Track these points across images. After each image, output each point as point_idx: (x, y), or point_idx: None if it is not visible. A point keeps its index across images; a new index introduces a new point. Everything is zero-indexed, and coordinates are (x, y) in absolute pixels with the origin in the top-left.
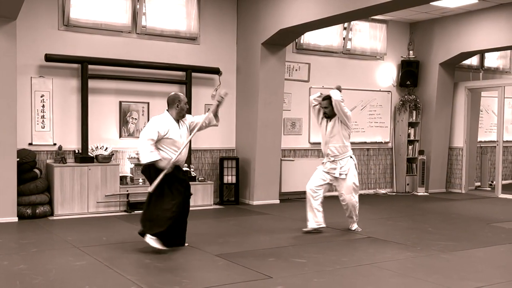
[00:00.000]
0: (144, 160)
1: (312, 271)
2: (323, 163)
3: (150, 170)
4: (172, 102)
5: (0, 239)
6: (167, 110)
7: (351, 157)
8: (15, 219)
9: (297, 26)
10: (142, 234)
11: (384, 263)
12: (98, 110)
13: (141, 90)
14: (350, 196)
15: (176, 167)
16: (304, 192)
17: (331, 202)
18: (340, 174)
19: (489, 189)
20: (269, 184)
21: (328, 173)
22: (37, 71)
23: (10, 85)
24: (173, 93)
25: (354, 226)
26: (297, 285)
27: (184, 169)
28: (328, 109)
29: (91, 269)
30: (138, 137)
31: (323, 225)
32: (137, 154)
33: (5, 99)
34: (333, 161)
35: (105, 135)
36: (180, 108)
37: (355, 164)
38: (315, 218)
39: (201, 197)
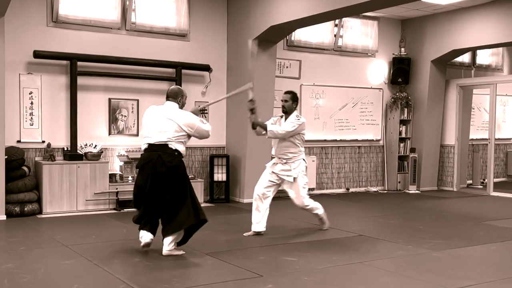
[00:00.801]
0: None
1: (302, 269)
2: (274, 163)
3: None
4: (175, 95)
5: None
6: (168, 101)
7: (304, 160)
8: (3, 217)
9: (288, 23)
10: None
11: (375, 261)
12: (87, 107)
13: (130, 87)
14: (299, 199)
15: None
16: None
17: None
18: (288, 176)
19: (481, 187)
20: None
21: (277, 174)
22: (25, 68)
23: None
24: (175, 86)
25: (325, 226)
26: (287, 284)
27: None
28: (287, 104)
29: (80, 268)
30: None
31: (264, 229)
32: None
33: None
34: (285, 163)
35: (94, 133)
36: (182, 104)
37: (306, 167)
38: (260, 221)
39: None
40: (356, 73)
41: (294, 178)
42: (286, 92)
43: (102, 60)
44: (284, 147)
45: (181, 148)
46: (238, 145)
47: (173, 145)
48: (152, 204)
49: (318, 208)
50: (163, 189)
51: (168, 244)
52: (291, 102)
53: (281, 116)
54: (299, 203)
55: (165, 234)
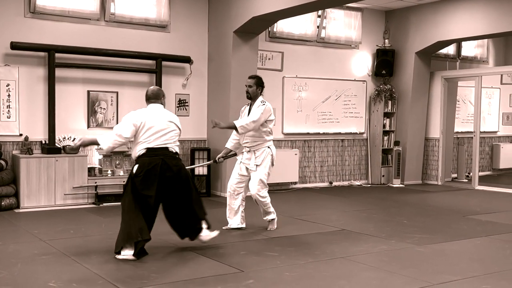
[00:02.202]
0: None
1: (284, 264)
2: (241, 153)
3: None
4: (157, 96)
5: None
6: (152, 103)
7: (269, 147)
8: None
9: (270, 14)
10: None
11: (358, 256)
12: (66, 99)
13: (109, 79)
14: (255, 187)
15: None
16: (278, 184)
17: (298, 194)
18: (249, 165)
19: (466, 180)
20: None
21: (244, 164)
22: (2, 59)
23: None
24: (155, 87)
25: (270, 226)
26: (268, 279)
27: None
28: (251, 89)
29: (58, 263)
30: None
31: (242, 226)
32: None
33: None
34: (249, 151)
35: (72, 126)
36: (164, 104)
37: (271, 155)
38: (233, 217)
39: None
40: (340, 65)
41: (256, 166)
42: (250, 77)
43: (80, 52)
44: (248, 136)
45: (178, 150)
46: (219, 138)
47: (173, 148)
48: (155, 210)
49: (273, 212)
50: (172, 192)
51: (206, 233)
52: (256, 88)
53: (247, 105)
54: (254, 191)
55: (196, 231)
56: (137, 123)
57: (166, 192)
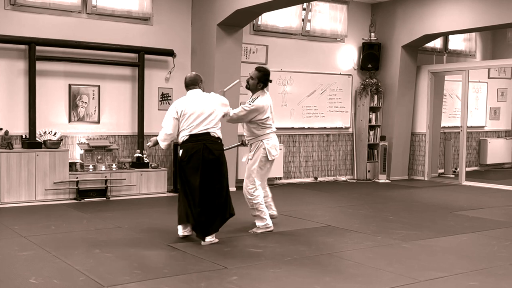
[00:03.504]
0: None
1: (268, 261)
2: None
3: None
4: (195, 81)
5: None
6: (190, 89)
7: (262, 141)
8: None
9: (254, 7)
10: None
11: (343, 252)
12: (47, 93)
13: (91, 73)
14: (245, 180)
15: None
16: None
17: (282, 189)
18: (245, 159)
19: (453, 176)
20: None
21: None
22: None
23: None
24: (192, 73)
25: (254, 229)
26: (252, 276)
27: (137, 155)
28: (252, 81)
29: (38, 259)
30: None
31: (274, 213)
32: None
33: None
34: (247, 144)
35: (53, 120)
36: (203, 89)
37: (264, 149)
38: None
39: (154, 184)
40: (325, 59)
41: (249, 160)
42: (257, 69)
43: (61, 45)
44: (246, 129)
45: (220, 135)
46: None
47: (215, 133)
48: (205, 194)
49: (262, 219)
50: (213, 178)
51: (211, 237)
52: (257, 81)
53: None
54: (244, 187)
55: (216, 225)
56: (177, 114)
57: (208, 176)
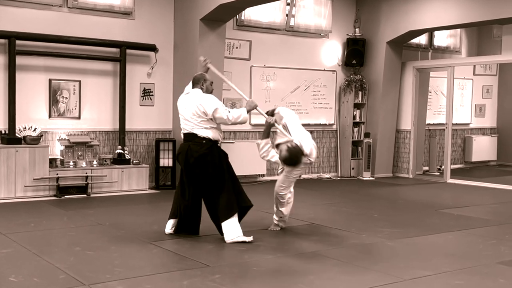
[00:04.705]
0: (245, 116)
1: (251, 259)
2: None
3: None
4: (197, 81)
5: None
6: (193, 88)
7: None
8: None
9: (237, 1)
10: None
11: (327, 250)
12: (27, 88)
13: (72, 68)
14: (277, 184)
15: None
16: (245, 176)
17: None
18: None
19: (438, 174)
20: None
21: None
22: None
23: None
24: (198, 73)
25: (273, 228)
26: (235, 274)
27: (118, 151)
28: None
29: (18, 257)
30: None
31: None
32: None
33: None
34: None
35: (33, 115)
36: (206, 88)
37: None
38: None
39: (136, 181)
40: (309, 55)
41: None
42: (288, 150)
43: (42, 39)
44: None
45: (210, 134)
46: None
47: (201, 133)
48: (185, 193)
49: (284, 216)
50: (197, 179)
51: (227, 233)
52: (282, 162)
53: None
54: (275, 188)
55: (217, 223)
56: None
57: (194, 178)
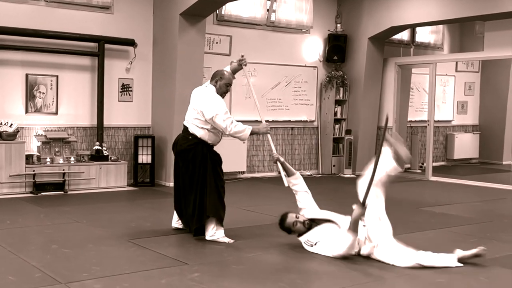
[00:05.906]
0: (246, 134)
1: (231, 257)
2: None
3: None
4: (212, 77)
5: None
6: (209, 83)
7: None
8: None
9: None
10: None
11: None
12: (2, 83)
13: (49, 62)
14: None
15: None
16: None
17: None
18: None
19: (419, 171)
20: None
21: None
22: None
23: None
24: (219, 69)
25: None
26: (214, 272)
27: (96, 147)
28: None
29: None
30: (46, 113)
31: None
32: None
33: None
34: None
35: (10, 111)
36: (219, 86)
37: None
38: None
39: (114, 178)
40: (290, 50)
41: None
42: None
43: (18, 33)
44: None
45: (199, 133)
46: (164, 125)
47: (191, 129)
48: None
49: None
50: (180, 172)
51: (206, 231)
52: (300, 231)
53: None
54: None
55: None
56: None
57: (178, 169)
